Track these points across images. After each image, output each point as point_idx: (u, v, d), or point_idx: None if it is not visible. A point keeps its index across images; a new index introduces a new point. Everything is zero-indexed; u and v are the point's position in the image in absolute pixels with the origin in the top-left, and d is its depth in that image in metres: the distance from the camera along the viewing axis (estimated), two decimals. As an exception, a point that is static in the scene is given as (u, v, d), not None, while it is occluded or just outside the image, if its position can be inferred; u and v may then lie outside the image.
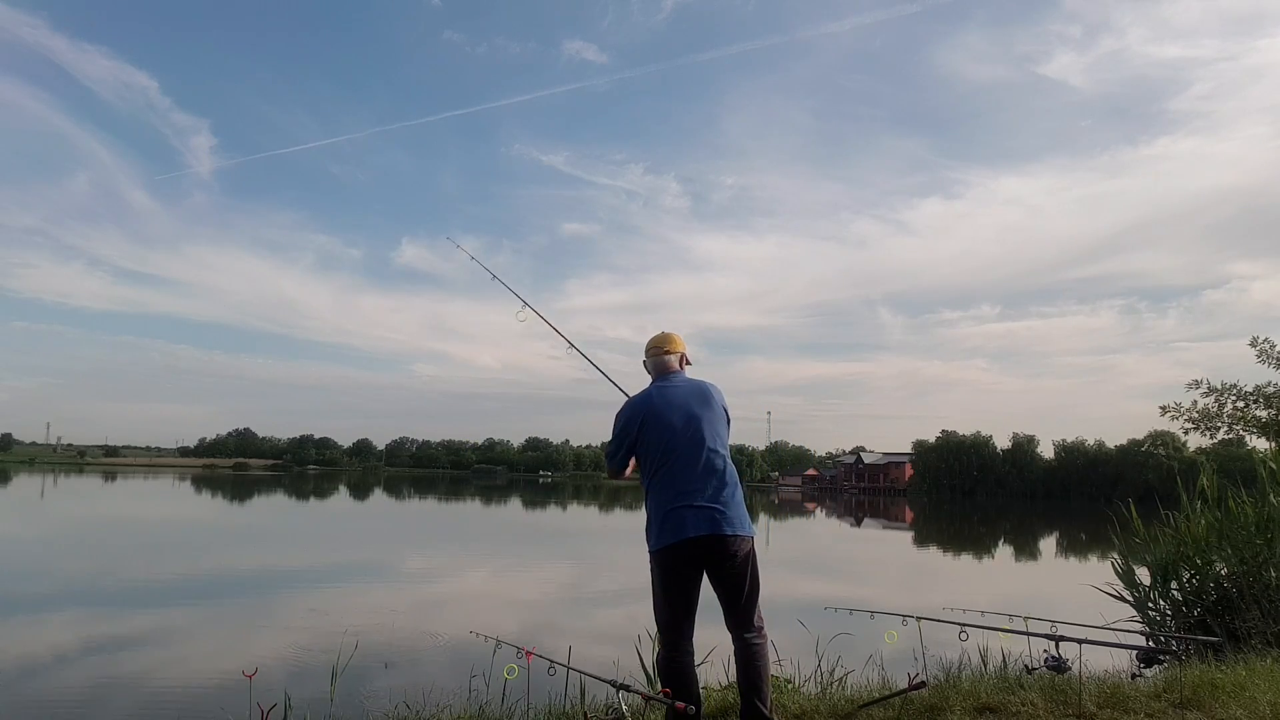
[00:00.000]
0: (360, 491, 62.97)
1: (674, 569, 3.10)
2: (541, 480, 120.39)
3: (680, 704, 2.80)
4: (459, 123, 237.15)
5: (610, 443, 3.43)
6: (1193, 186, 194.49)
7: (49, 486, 55.69)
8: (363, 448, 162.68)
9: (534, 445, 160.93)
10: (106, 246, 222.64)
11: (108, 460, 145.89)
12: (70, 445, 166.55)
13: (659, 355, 3.54)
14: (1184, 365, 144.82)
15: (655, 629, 3.26)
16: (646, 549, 3.20)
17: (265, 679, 5.82)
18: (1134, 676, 4.19)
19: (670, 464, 3.19)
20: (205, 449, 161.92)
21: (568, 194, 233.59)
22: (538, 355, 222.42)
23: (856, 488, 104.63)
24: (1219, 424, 9.15)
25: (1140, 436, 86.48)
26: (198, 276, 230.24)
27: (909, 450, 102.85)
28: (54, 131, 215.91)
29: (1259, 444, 9.23)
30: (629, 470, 3.43)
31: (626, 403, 3.45)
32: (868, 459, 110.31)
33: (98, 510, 35.84)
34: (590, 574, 17.71)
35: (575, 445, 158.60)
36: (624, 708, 3.29)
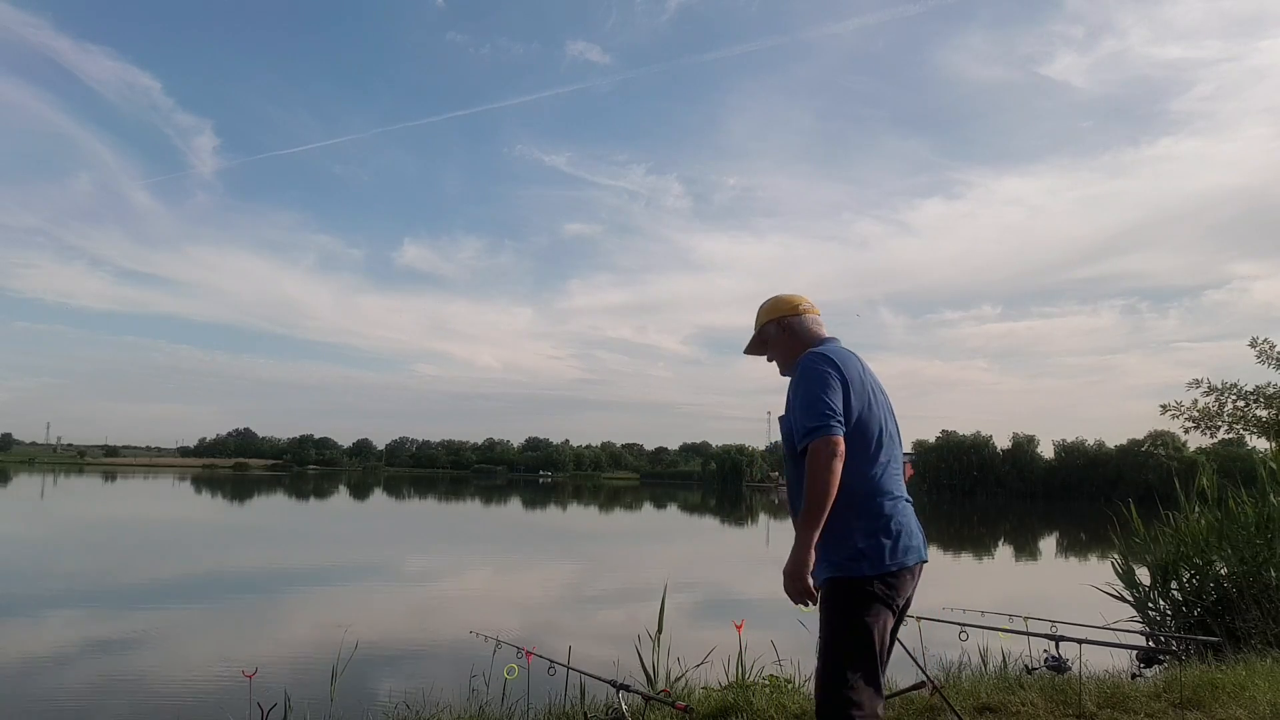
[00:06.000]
0: (360, 492, 62.94)
1: (886, 605, 2.07)
2: (541, 480, 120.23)
3: (681, 704, 2.79)
4: (462, 123, 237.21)
5: (817, 403, 2.12)
6: (1194, 187, 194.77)
7: (49, 486, 55.68)
8: (363, 448, 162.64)
9: (534, 445, 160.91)
10: (108, 246, 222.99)
11: (108, 460, 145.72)
12: (70, 445, 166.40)
13: (815, 315, 2.54)
14: (1185, 365, 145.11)
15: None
16: (819, 573, 2.09)
17: (265, 679, 5.80)
18: (1134, 676, 4.19)
19: (885, 455, 2.20)
20: (205, 449, 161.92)
21: (570, 194, 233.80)
22: (538, 355, 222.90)
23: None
24: (1219, 423, 9.16)
25: (1140, 436, 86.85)
26: (199, 277, 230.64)
27: (909, 450, 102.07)
28: (57, 132, 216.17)
29: (1259, 444, 9.25)
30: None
31: (813, 354, 2.31)
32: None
33: (97, 510, 35.82)
34: (590, 574, 17.72)
35: (575, 445, 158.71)
36: (624, 708, 3.29)
